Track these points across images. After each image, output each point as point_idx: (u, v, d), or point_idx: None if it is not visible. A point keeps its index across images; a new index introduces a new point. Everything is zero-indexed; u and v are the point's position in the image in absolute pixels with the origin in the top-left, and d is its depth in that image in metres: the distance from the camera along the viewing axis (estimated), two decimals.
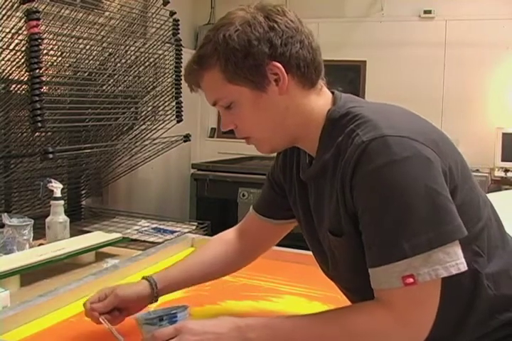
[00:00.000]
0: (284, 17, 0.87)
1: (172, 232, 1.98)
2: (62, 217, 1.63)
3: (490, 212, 0.91)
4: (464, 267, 0.77)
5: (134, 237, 1.88)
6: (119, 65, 2.05)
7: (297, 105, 0.90)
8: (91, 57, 1.93)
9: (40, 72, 1.55)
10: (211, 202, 3.54)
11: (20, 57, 1.59)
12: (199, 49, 0.89)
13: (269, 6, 0.88)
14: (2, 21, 1.59)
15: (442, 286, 0.80)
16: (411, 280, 0.76)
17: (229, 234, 1.21)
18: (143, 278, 1.10)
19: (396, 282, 0.77)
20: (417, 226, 0.76)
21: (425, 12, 3.83)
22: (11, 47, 1.60)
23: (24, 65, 1.56)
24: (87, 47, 1.87)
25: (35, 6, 1.54)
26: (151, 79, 2.18)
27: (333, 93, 0.95)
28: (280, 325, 0.83)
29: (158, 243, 1.79)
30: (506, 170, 3.45)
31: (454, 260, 0.76)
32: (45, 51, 1.62)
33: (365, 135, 0.79)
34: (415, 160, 0.77)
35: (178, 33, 2.17)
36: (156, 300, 1.10)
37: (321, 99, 0.92)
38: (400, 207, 0.76)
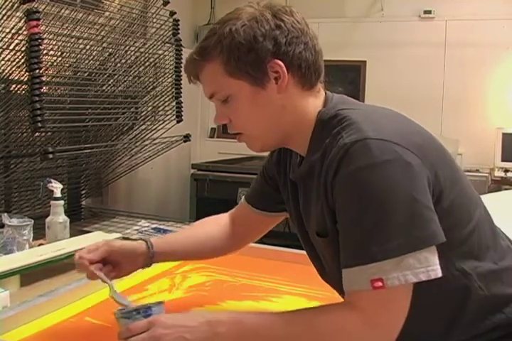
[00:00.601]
0: (291, 17, 0.88)
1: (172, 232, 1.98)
2: (62, 217, 1.63)
3: (482, 212, 0.91)
4: (435, 274, 0.77)
5: (134, 237, 1.87)
6: (119, 65, 2.05)
7: (294, 105, 0.90)
8: (91, 58, 1.92)
9: (40, 72, 1.55)
10: (211, 202, 3.53)
11: (20, 57, 1.59)
12: (203, 41, 0.90)
13: (278, 5, 0.90)
14: (2, 21, 1.58)
15: (432, 287, 0.80)
16: (380, 283, 0.76)
17: (223, 219, 1.22)
18: (140, 238, 1.12)
19: (365, 284, 0.77)
20: (390, 230, 0.76)
21: (425, 12, 3.84)
22: (11, 47, 1.60)
23: (24, 65, 1.56)
24: (87, 47, 1.87)
25: (35, 6, 1.53)
26: (151, 80, 2.18)
27: (326, 94, 0.96)
28: (250, 321, 0.84)
29: None
30: (506, 170, 3.45)
31: (425, 266, 0.76)
32: (45, 51, 1.62)
33: (349, 137, 0.80)
34: (395, 164, 0.77)
35: (178, 33, 2.17)
36: (150, 264, 1.11)
37: (318, 101, 0.93)
38: (375, 210, 0.77)
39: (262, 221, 1.18)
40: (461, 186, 0.88)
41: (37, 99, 1.53)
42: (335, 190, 0.82)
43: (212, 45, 0.88)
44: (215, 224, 1.20)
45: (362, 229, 0.78)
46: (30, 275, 1.36)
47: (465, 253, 0.85)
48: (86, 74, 1.96)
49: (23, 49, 1.56)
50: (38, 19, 1.52)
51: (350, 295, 0.81)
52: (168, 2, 2.07)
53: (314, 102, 0.92)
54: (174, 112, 2.23)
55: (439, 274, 0.77)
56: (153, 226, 2.07)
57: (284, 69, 0.87)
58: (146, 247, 1.09)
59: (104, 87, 2.03)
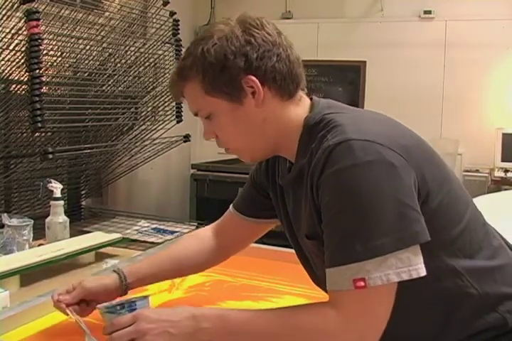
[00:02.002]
0: (261, 31, 0.89)
1: (172, 233, 1.98)
2: (62, 218, 1.63)
3: (473, 212, 0.91)
4: (417, 273, 0.77)
5: (133, 237, 1.88)
6: (119, 65, 2.05)
7: (275, 116, 0.92)
8: (91, 58, 1.93)
9: (40, 72, 1.55)
10: (211, 203, 3.53)
11: (20, 57, 1.59)
12: (181, 61, 0.93)
13: (250, 19, 0.90)
14: (2, 21, 1.58)
15: (424, 287, 0.81)
16: (362, 283, 0.76)
17: (205, 232, 1.22)
18: (113, 270, 1.12)
19: (347, 284, 0.77)
20: (372, 230, 0.76)
21: (425, 12, 3.83)
22: (11, 47, 1.60)
23: (24, 65, 1.56)
24: (87, 47, 1.87)
25: (35, 6, 1.54)
26: (150, 80, 2.18)
27: (312, 99, 0.97)
28: (233, 317, 0.85)
29: (158, 243, 1.79)
30: (506, 171, 3.45)
31: (406, 266, 0.76)
32: (45, 51, 1.62)
33: (333, 139, 0.81)
34: (378, 165, 0.77)
35: (178, 33, 2.17)
36: (126, 293, 1.12)
37: (300, 109, 0.94)
38: (358, 210, 0.77)
39: (251, 228, 1.18)
40: (450, 187, 0.88)
41: (37, 99, 1.53)
42: (320, 191, 0.83)
43: (188, 65, 0.90)
44: (196, 240, 1.21)
45: (344, 228, 0.78)
46: (30, 275, 1.37)
47: (456, 252, 0.85)
48: (86, 75, 1.96)
49: (23, 49, 1.56)
50: (38, 19, 1.52)
51: (332, 294, 0.81)
52: (168, 2, 2.08)
53: (296, 110, 0.93)
54: (174, 112, 2.23)
55: (422, 273, 0.77)
56: (153, 226, 2.07)
57: (258, 84, 0.88)
58: (120, 281, 1.10)
59: (104, 87, 2.03)
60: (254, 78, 0.88)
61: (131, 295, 1.08)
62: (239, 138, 0.94)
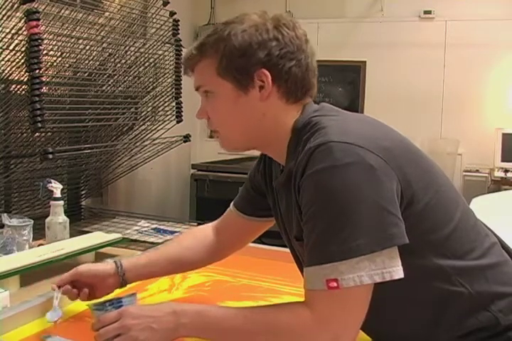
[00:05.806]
0: (292, 32, 0.90)
1: (172, 233, 1.98)
2: (62, 218, 1.62)
3: (463, 211, 0.90)
4: (390, 276, 0.77)
5: (133, 238, 1.88)
6: (119, 65, 2.05)
7: (274, 115, 0.93)
8: (91, 58, 1.92)
9: (40, 72, 1.55)
10: (211, 203, 3.53)
11: (20, 57, 1.59)
12: (205, 37, 0.93)
13: (284, 19, 0.92)
14: (2, 22, 1.59)
15: (413, 287, 0.82)
16: (334, 284, 0.77)
17: (205, 229, 1.24)
18: (113, 261, 1.15)
19: (319, 284, 0.78)
20: (348, 231, 0.76)
21: (425, 12, 3.84)
22: (11, 47, 1.60)
23: (24, 66, 1.56)
24: (87, 47, 1.87)
25: (35, 6, 1.54)
26: (151, 80, 2.18)
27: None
28: (212, 313, 0.87)
29: (158, 243, 1.79)
30: (506, 171, 3.46)
31: (380, 268, 0.77)
32: (45, 51, 1.62)
33: (314, 141, 0.82)
34: (357, 167, 0.78)
35: (178, 34, 2.17)
36: (125, 285, 1.14)
37: (299, 114, 0.94)
38: (333, 211, 0.78)
39: (251, 227, 1.20)
40: (437, 187, 0.87)
41: (37, 99, 1.53)
42: (300, 192, 0.83)
43: (210, 43, 0.91)
44: (193, 238, 1.23)
45: (321, 229, 0.79)
46: (30, 275, 1.37)
47: (446, 252, 0.85)
48: (86, 75, 1.96)
49: (23, 49, 1.56)
50: (38, 19, 1.52)
51: (307, 294, 0.82)
52: (168, 2, 2.08)
53: (295, 115, 0.94)
54: (174, 112, 2.23)
55: (395, 276, 0.77)
56: (153, 226, 2.07)
57: (270, 79, 0.89)
58: (115, 269, 1.13)
59: (104, 88, 2.03)
60: (267, 73, 0.89)
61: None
62: (230, 125, 0.95)
